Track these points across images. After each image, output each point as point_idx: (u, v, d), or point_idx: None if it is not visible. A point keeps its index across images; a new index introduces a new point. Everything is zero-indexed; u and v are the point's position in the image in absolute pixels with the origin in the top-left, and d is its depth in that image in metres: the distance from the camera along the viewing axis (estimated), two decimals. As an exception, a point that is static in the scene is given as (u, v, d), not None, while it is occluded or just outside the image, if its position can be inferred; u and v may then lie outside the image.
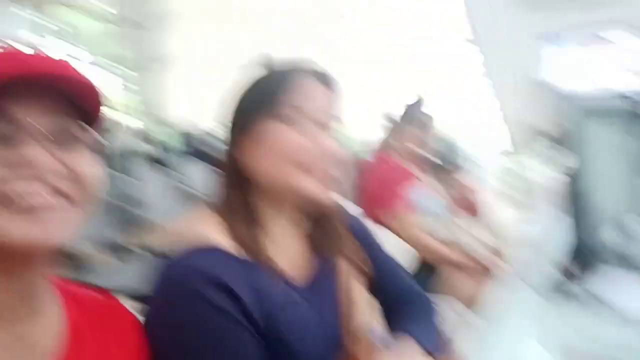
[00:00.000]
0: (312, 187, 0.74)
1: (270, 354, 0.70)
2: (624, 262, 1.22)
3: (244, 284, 0.68)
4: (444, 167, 2.55)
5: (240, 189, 0.76)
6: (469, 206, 2.47)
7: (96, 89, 0.54)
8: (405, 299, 0.93)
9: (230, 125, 0.78)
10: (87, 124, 0.54)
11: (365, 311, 0.88)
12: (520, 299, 1.20)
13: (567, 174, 1.07)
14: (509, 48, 5.62)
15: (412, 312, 0.90)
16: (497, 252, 2.24)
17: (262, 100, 0.74)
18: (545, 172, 3.76)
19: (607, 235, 1.25)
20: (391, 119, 2.06)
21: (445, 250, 1.86)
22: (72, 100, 0.52)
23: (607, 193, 1.18)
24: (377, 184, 1.89)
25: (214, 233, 0.72)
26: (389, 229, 1.87)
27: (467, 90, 5.91)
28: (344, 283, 0.85)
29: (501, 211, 3.42)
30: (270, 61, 0.79)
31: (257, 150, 0.74)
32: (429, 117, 2.00)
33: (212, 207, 0.77)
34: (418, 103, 2.01)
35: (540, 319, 1.09)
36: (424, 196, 1.94)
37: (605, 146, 1.20)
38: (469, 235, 1.92)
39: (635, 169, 1.42)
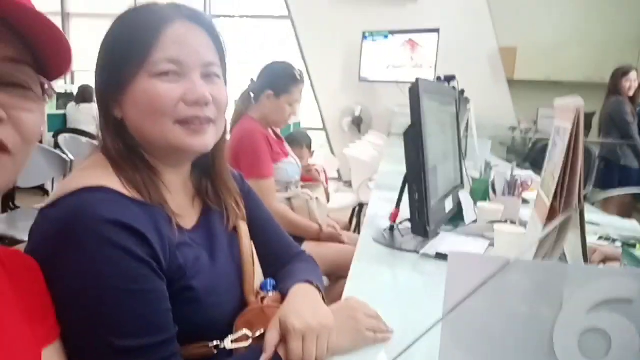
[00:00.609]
0: (185, 137, 0.74)
1: (171, 294, 0.70)
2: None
3: (145, 224, 0.68)
4: (293, 143, 2.59)
5: (125, 144, 0.76)
6: (309, 179, 2.55)
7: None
8: (289, 254, 1.00)
9: (100, 81, 0.76)
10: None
11: (255, 263, 0.91)
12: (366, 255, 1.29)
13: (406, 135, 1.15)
14: (330, 41, 6.04)
15: (299, 265, 0.97)
16: (341, 223, 2.39)
17: (133, 56, 0.72)
18: (358, 149, 4.13)
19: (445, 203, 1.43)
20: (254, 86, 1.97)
21: (301, 220, 1.88)
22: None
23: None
24: (245, 148, 1.79)
25: (107, 177, 0.71)
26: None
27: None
28: (240, 236, 0.89)
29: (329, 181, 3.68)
30: (135, 8, 0.77)
31: (135, 109, 0.74)
32: (298, 82, 1.96)
33: (103, 155, 0.75)
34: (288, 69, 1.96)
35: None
36: (287, 163, 1.93)
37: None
38: (317, 204, 1.98)
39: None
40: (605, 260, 0.95)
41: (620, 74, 4.22)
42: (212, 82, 0.76)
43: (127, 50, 0.72)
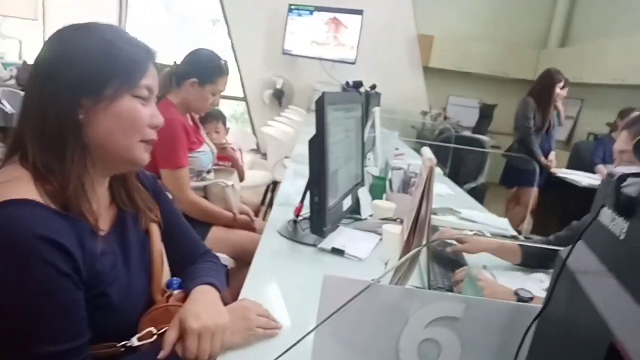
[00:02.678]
0: (143, 153, 0.86)
1: (87, 299, 0.76)
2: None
3: (70, 238, 0.72)
4: (208, 118, 2.60)
5: (76, 143, 0.78)
6: (225, 157, 2.60)
7: None
8: (195, 253, 1.09)
9: (75, 83, 0.78)
10: None
11: (164, 264, 0.98)
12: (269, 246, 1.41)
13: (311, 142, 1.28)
14: (255, 12, 5.93)
15: (204, 264, 1.06)
16: (253, 205, 2.47)
17: (129, 78, 0.82)
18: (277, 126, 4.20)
19: (345, 201, 1.58)
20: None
21: (214, 209, 1.94)
22: None
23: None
24: (161, 138, 1.79)
25: (32, 189, 0.73)
26: (163, 183, 1.83)
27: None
28: (151, 238, 0.96)
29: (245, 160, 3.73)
30: (121, 31, 0.86)
31: (115, 121, 0.81)
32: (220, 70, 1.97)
33: (27, 167, 0.76)
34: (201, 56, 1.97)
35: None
36: (202, 152, 1.96)
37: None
38: (232, 191, 2.05)
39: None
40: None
41: (556, 79, 3.71)
42: None
43: (118, 70, 0.80)
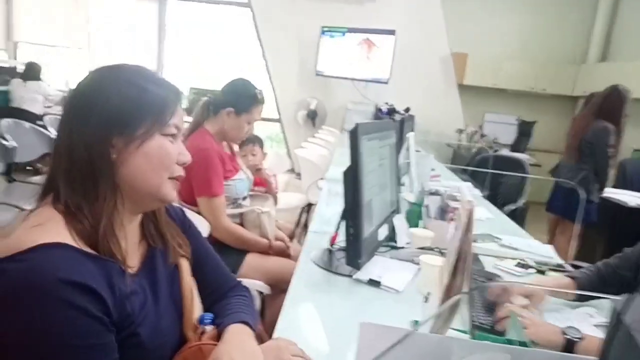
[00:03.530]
0: (171, 190, 0.87)
1: (117, 340, 0.76)
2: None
3: (99, 280, 0.73)
4: (245, 141, 2.63)
5: (107, 183, 0.80)
6: (261, 183, 2.62)
7: None
8: (226, 286, 1.08)
9: (107, 124, 0.80)
10: None
11: (195, 299, 0.98)
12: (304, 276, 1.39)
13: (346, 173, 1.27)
14: (289, 33, 6.03)
15: (236, 299, 1.05)
16: (289, 231, 2.47)
17: (160, 117, 0.84)
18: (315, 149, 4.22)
19: (380, 231, 1.56)
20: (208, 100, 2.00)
21: (249, 236, 1.95)
22: None
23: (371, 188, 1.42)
24: (197, 167, 1.83)
25: (62, 232, 0.74)
26: (200, 212, 1.86)
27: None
28: (181, 274, 0.96)
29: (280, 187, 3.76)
30: (149, 72, 0.88)
31: (146, 159, 0.82)
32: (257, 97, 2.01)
33: (60, 209, 0.77)
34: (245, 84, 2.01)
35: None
36: (237, 179, 1.98)
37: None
38: (268, 217, 2.05)
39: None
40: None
41: (626, 98, 3.30)
42: None
43: (153, 110, 0.83)
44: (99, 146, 0.79)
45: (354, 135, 1.18)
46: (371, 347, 0.64)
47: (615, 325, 0.52)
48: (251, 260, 1.92)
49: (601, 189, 3.41)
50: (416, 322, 0.91)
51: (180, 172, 0.88)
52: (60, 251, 0.72)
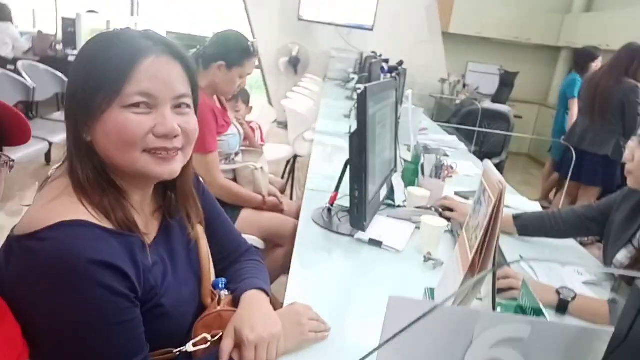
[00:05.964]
0: (151, 165, 0.77)
1: (142, 313, 0.77)
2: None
3: (123, 258, 0.72)
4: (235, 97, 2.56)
5: (94, 167, 0.77)
6: (252, 139, 2.58)
7: None
8: (239, 251, 1.08)
9: (71, 104, 0.77)
10: None
11: (210, 266, 0.97)
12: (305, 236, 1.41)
13: (351, 139, 1.26)
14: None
15: (249, 264, 1.05)
16: (280, 185, 2.47)
17: (107, 87, 0.73)
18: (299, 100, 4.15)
19: (381, 191, 1.58)
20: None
21: (243, 192, 1.94)
22: None
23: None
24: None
25: (79, 208, 0.73)
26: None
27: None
28: (199, 241, 0.94)
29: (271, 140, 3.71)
30: (111, 36, 0.77)
31: (106, 137, 0.75)
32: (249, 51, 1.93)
33: (69, 183, 0.76)
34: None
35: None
36: (230, 135, 1.95)
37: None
38: (262, 173, 2.04)
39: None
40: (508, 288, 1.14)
41: None
42: (182, 112, 0.80)
43: (101, 81, 0.73)
44: (73, 128, 0.77)
45: (362, 99, 1.16)
46: (397, 320, 0.67)
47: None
48: (246, 215, 1.92)
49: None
50: (432, 291, 0.94)
51: (160, 143, 0.76)
52: (83, 230, 0.71)
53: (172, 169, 0.80)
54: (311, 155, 2.37)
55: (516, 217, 1.58)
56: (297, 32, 6.05)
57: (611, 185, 3.12)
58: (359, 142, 1.20)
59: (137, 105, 0.74)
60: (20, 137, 0.58)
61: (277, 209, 2.03)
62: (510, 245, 1.52)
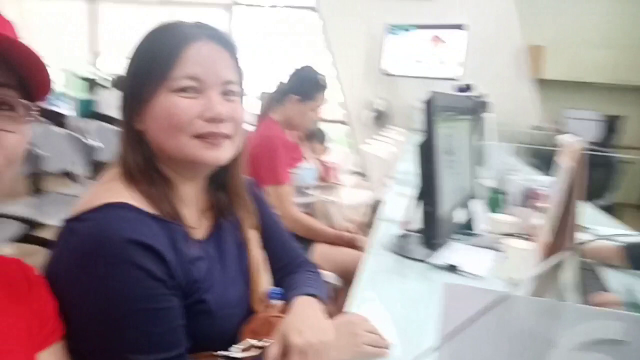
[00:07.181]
0: (201, 150, 0.76)
1: (185, 307, 0.74)
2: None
3: (163, 242, 0.71)
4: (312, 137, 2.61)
5: (144, 156, 0.78)
6: (327, 177, 2.57)
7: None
8: (295, 262, 1.02)
9: (125, 94, 0.79)
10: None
11: (265, 273, 0.94)
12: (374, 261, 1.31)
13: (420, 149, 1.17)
14: (354, 33, 6.00)
15: (303, 274, 0.99)
16: (357, 223, 2.40)
17: (156, 72, 0.74)
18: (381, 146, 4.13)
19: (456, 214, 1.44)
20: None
21: (318, 226, 1.91)
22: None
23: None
24: (262, 155, 1.82)
25: (126, 192, 0.74)
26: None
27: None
28: (249, 246, 0.91)
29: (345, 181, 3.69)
30: (161, 25, 0.79)
31: (155, 122, 0.76)
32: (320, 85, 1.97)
33: (120, 171, 0.77)
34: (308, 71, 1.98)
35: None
36: (304, 168, 1.95)
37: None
38: (336, 207, 2.00)
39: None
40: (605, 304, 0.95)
41: None
42: (229, 99, 0.79)
43: (150, 66, 0.75)
44: (125, 117, 0.79)
45: (429, 105, 1.10)
46: (458, 312, 0.56)
47: None
48: (320, 250, 1.87)
49: None
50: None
51: (210, 128, 0.75)
52: (124, 212, 0.71)
53: (220, 155, 0.78)
54: (387, 193, 2.29)
55: (627, 247, 1.35)
56: (381, 86, 6.13)
57: None
58: (426, 151, 1.12)
59: (184, 89, 0.75)
60: (41, 89, 0.56)
61: (353, 244, 1.96)
62: (617, 278, 1.30)
